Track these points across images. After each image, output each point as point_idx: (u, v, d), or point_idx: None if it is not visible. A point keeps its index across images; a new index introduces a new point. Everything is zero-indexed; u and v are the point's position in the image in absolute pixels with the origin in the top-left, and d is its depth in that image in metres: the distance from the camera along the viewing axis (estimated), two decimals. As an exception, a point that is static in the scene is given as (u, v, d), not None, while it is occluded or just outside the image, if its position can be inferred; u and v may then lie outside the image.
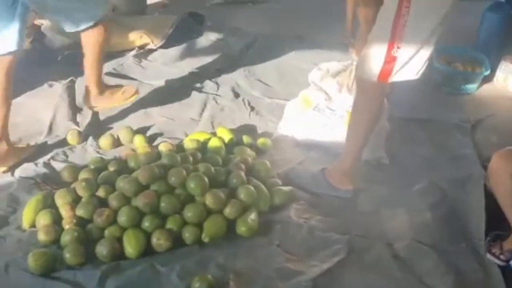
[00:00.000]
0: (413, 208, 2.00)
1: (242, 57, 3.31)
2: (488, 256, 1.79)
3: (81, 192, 1.90)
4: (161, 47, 3.35)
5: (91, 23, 2.23)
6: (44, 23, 3.14)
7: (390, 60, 1.74)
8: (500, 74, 3.04)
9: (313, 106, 2.36)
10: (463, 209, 2.01)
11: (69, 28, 2.26)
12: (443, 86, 2.97)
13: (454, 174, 2.20)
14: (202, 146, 2.23)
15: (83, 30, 2.26)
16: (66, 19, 2.23)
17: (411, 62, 1.76)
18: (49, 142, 2.35)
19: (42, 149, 2.29)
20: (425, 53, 1.76)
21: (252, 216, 1.84)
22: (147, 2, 4.04)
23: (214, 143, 2.24)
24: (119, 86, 2.63)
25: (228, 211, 1.83)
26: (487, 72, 2.94)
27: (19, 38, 2.08)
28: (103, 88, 2.51)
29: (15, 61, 2.13)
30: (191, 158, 2.06)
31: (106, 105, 2.53)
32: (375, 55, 1.77)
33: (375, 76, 1.78)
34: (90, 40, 2.31)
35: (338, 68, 2.44)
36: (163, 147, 2.21)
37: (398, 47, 1.72)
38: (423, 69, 1.82)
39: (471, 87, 2.96)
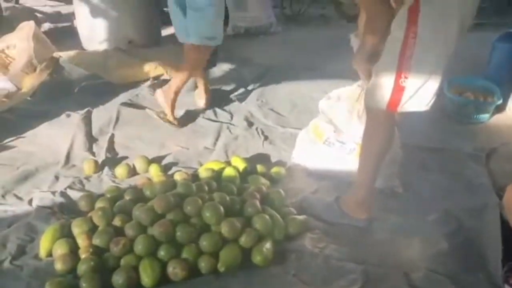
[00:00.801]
0: (428, 237, 1.98)
1: (255, 87, 3.36)
2: (506, 287, 1.76)
3: (97, 221, 1.92)
4: (175, 77, 3.41)
5: (199, 42, 2.69)
6: (63, 56, 3.22)
7: (398, 89, 1.76)
8: (512, 103, 3.05)
9: (324, 139, 2.36)
10: (479, 239, 1.98)
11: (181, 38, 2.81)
12: (455, 115, 2.98)
13: (469, 203, 2.18)
14: (217, 175, 2.25)
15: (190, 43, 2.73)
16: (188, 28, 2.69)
17: (420, 93, 1.78)
18: (66, 172, 2.39)
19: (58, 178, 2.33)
20: (434, 84, 1.78)
21: (268, 245, 1.83)
22: (161, 34, 4.14)
23: (228, 172, 2.26)
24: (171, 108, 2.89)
25: (243, 240, 1.83)
26: (499, 102, 2.95)
27: None
28: (176, 96, 2.86)
29: None
30: (206, 187, 2.07)
31: (162, 102, 2.85)
32: (384, 84, 1.78)
33: (384, 105, 1.80)
34: (192, 55, 2.79)
35: (348, 93, 2.45)
36: (178, 176, 2.23)
37: (406, 77, 1.74)
38: (432, 100, 1.83)
39: (484, 116, 2.97)
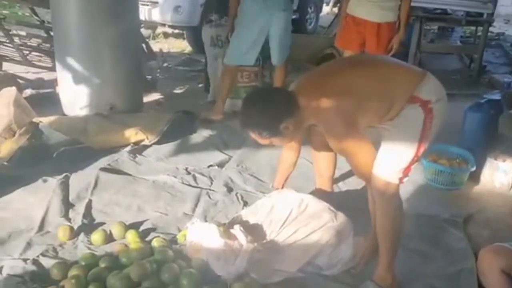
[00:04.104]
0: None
1: (235, 153, 3.39)
2: None
3: (70, 290, 1.85)
4: (155, 143, 3.43)
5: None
6: (43, 121, 3.23)
7: (411, 164, 1.91)
8: (486, 171, 3.12)
9: None
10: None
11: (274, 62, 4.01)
12: (431, 182, 3.03)
13: (448, 268, 2.19)
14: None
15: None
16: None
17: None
18: (39, 238, 2.32)
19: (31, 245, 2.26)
20: None
21: (247, 314, 1.78)
22: (143, 100, 4.20)
23: (207, 238, 2.22)
24: None
25: (221, 309, 1.78)
26: (473, 169, 3.02)
27: None
28: None
29: None
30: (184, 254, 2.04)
31: None
32: (401, 160, 1.89)
33: (397, 179, 1.90)
34: (279, 74, 4.03)
35: None
36: (156, 243, 2.19)
37: (419, 155, 1.90)
38: None
39: (459, 183, 3.02)
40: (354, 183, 2.94)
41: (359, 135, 1.89)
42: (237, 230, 2.14)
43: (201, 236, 2.12)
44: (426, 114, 1.85)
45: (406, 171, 1.90)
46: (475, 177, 3.10)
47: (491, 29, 6.67)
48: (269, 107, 1.87)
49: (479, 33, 6.30)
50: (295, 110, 1.87)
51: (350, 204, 2.53)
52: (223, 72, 4.06)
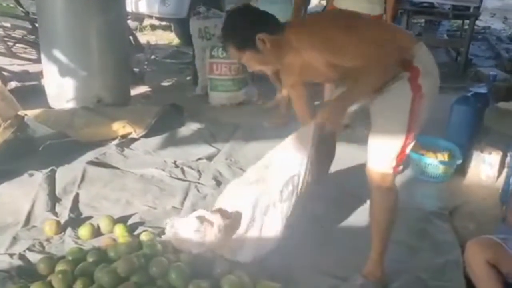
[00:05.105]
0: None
1: (224, 146, 3.38)
2: None
3: (57, 285, 1.84)
4: (143, 136, 3.41)
5: None
6: (28, 114, 3.18)
7: (403, 151, 1.87)
8: (472, 163, 3.14)
9: None
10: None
11: None
12: (418, 174, 3.06)
13: (435, 260, 2.21)
14: (184, 236, 2.20)
15: None
16: None
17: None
18: (26, 233, 2.29)
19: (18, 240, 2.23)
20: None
21: (236, 308, 1.79)
22: (130, 93, 4.16)
23: (196, 232, 2.21)
24: None
25: (211, 303, 1.78)
26: (459, 161, 3.05)
27: None
28: None
29: None
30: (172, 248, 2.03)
31: None
32: (391, 149, 1.86)
33: (390, 168, 1.89)
34: None
35: None
36: (144, 237, 2.18)
37: (410, 140, 1.86)
38: None
39: (445, 175, 3.05)
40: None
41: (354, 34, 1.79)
42: (206, 212, 2.19)
43: (181, 230, 2.14)
44: (414, 94, 1.80)
45: (400, 158, 1.87)
46: (461, 170, 3.12)
47: (477, 22, 6.72)
48: (249, 15, 1.92)
49: (466, 27, 6.35)
50: (275, 28, 1.86)
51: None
52: None
